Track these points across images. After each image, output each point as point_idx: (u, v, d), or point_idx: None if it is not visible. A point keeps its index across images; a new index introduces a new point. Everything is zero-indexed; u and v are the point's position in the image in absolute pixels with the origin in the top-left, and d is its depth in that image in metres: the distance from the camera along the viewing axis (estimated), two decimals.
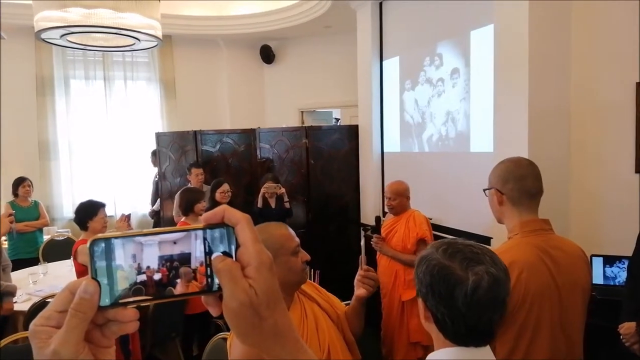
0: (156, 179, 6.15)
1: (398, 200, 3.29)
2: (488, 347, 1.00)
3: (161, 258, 0.48)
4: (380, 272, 3.30)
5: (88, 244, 0.45)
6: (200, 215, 3.74)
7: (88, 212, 3.00)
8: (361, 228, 5.18)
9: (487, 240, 3.53)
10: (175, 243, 0.48)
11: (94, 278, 0.46)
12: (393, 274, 3.18)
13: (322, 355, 1.39)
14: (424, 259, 1.02)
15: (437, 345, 1.03)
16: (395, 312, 3.18)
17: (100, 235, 0.47)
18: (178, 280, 0.48)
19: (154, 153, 6.12)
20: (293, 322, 0.53)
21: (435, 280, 0.98)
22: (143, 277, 0.47)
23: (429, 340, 3.35)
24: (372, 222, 3.41)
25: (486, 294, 0.94)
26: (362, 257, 1.51)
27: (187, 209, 3.68)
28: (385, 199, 3.38)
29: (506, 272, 0.99)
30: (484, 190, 1.61)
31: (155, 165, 6.13)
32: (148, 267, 0.47)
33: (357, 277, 1.54)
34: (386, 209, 3.49)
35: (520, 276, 1.38)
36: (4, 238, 3.91)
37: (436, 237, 4.21)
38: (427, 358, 1.03)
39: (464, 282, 0.94)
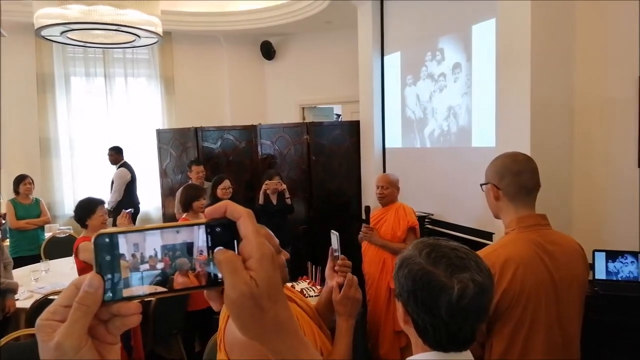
0: (128, 179, 5.90)
1: (390, 189, 3.33)
2: (468, 351, 0.97)
3: (164, 248, 0.48)
4: (367, 262, 3.35)
5: (92, 239, 0.46)
6: (201, 212, 3.75)
7: (86, 209, 3.00)
8: (362, 224, 5.17)
9: (489, 235, 3.53)
10: (178, 233, 0.49)
11: (99, 272, 0.46)
12: (381, 262, 3.24)
13: None
14: (406, 261, 0.98)
15: (416, 350, 1.00)
16: (382, 300, 3.22)
17: (104, 230, 0.47)
18: (176, 273, 0.49)
19: (116, 150, 5.91)
20: (294, 316, 0.53)
21: (418, 287, 0.94)
22: (146, 267, 0.48)
23: None
24: None
25: (471, 302, 0.91)
26: (332, 249, 1.49)
27: (188, 205, 3.68)
28: (376, 188, 3.39)
29: (491, 277, 0.96)
30: (481, 185, 1.61)
31: (114, 163, 5.89)
32: (151, 257, 0.48)
33: (332, 268, 1.49)
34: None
35: (516, 272, 1.38)
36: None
37: (436, 233, 4.22)
38: None
39: (448, 290, 0.91)
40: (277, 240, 1.44)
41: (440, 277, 0.92)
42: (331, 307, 1.50)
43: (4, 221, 2.93)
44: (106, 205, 5.58)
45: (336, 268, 1.45)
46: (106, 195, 5.64)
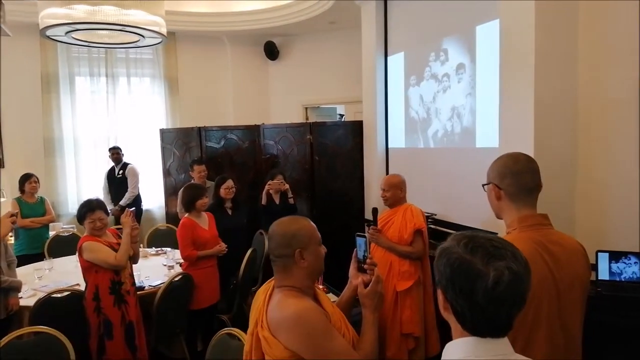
0: (120, 175, 5.91)
1: (391, 192, 3.29)
2: (506, 338, 1.01)
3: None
4: None
5: None
6: (203, 210, 3.76)
7: (79, 216, 3.04)
8: (365, 224, 5.17)
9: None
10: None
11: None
12: (388, 264, 3.19)
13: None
14: (445, 251, 1.03)
15: (455, 335, 1.05)
16: (388, 303, 3.18)
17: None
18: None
19: (120, 149, 5.96)
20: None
21: (456, 274, 0.99)
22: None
23: (421, 332, 3.36)
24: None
25: (506, 289, 0.95)
26: (356, 251, 1.65)
27: (189, 205, 3.69)
28: (380, 190, 3.39)
29: (527, 267, 1.01)
30: (483, 185, 1.61)
31: (119, 162, 5.92)
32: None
33: (356, 268, 1.64)
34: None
35: None
36: (10, 234, 3.92)
37: (440, 233, 4.21)
38: (446, 345, 1.05)
39: (484, 277, 0.95)
40: (319, 235, 1.59)
41: (476, 265, 0.97)
42: (351, 305, 1.69)
43: (15, 225, 2.95)
44: (123, 202, 5.71)
45: (365, 266, 1.59)
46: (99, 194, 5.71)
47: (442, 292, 1.03)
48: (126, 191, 5.86)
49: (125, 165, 5.94)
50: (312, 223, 1.60)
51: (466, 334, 1.01)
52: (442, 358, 1.04)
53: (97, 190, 6.01)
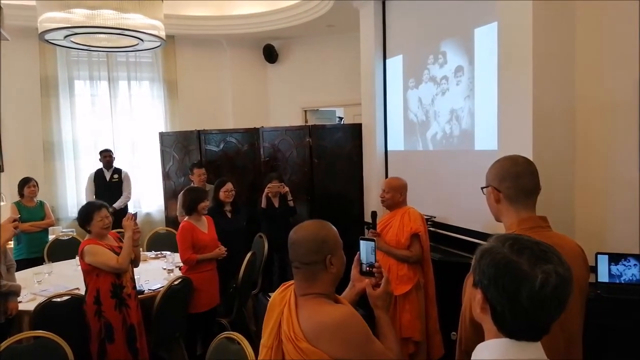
0: (115, 180, 5.81)
1: (391, 194, 3.28)
2: (539, 342, 1.00)
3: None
4: None
5: None
6: (204, 213, 3.76)
7: (84, 218, 3.02)
8: (365, 227, 5.18)
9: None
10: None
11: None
12: (386, 268, 3.18)
13: None
14: (488, 251, 1.02)
15: (489, 336, 1.04)
16: None
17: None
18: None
19: (109, 152, 5.83)
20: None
21: (501, 274, 0.97)
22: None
23: (421, 336, 3.34)
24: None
25: (552, 293, 0.95)
26: (358, 254, 1.64)
27: (191, 208, 3.69)
28: (380, 191, 3.39)
29: (571, 272, 1.00)
30: (482, 188, 1.62)
31: (111, 166, 5.80)
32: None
33: (359, 272, 1.63)
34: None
35: None
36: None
37: (439, 236, 4.21)
38: (478, 345, 1.04)
39: (531, 279, 0.94)
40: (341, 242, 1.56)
41: (523, 266, 0.96)
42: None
43: (18, 231, 2.92)
44: (118, 205, 5.67)
45: (374, 270, 1.59)
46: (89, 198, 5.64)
47: (482, 292, 1.02)
48: (119, 195, 5.75)
49: (119, 170, 5.86)
50: (334, 227, 1.57)
51: (500, 336, 1.00)
52: (472, 358, 1.03)
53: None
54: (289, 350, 1.43)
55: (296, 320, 1.43)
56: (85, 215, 3.02)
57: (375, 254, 1.62)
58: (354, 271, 1.64)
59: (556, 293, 0.95)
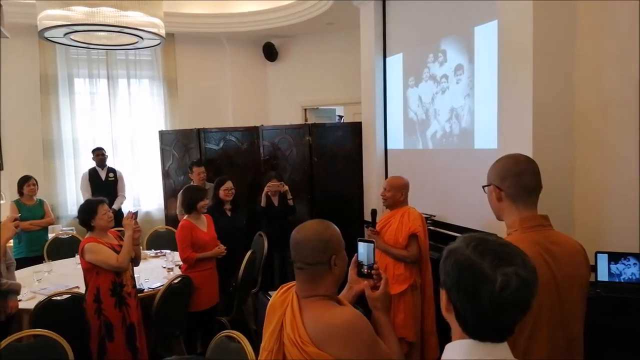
0: (111, 179, 5.75)
1: (392, 192, 3.28)
2: (505, 343, 1.00)
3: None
4: None
5: None
6: (204, 212, 3.76)
7: (89, 212, 3.00)
8: (364, 225, 5.18)
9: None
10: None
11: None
12: (383, 267, 3.17)
13: None
14: (453, 252, 1.02)
15: (454, 337, 1.04)
16: None
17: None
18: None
19: (102, 150, 5.75)
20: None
21: (463, 276, 0.98)
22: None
23: (414, 337, 3.34)
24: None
25: (512, 296, 0.94)
26: (356, 256, 1.62)
27: (190, 207, 3.69)
28: (381, 189, 3.38)
29: (535, 274, 1.00)
30: (483, 187, 1.62)
31: (104, 164, 5.73)
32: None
33: (356, 273, 1.62)
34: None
35: None
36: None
37: (438, 234, 4.21)
38: (446, 346, 1.04)
39: (491, 282, 0.94)
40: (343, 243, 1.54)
41: (485, 268, 0.96)
42: None
43: (19, 230, 2.92)
44: (116, 206, 5.63)
45: (373, 272, 1.57)
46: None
47: (446, 292, 1.03)
48: (115, 194, 5.70)
49: (113, 169, 5.81)
50: (337, 227, 1.55)
51: (465, 337, 1.00)
52: (441, 358, 1.04)
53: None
54: (292, 354, 1.40)
55: (301, 323, 1.40)
56: (90, 209, 3.00)
57: (374, 256, 1.60)
58: (351, 273, 1.62)
59: (517, 296, 0.94)
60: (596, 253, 2.79)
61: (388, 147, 5.23)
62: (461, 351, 1.00)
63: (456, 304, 1.00)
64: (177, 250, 3.78)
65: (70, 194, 6.20)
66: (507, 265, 0.95)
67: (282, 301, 1.50)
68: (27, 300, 3.27)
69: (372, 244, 1.60)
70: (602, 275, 2.81)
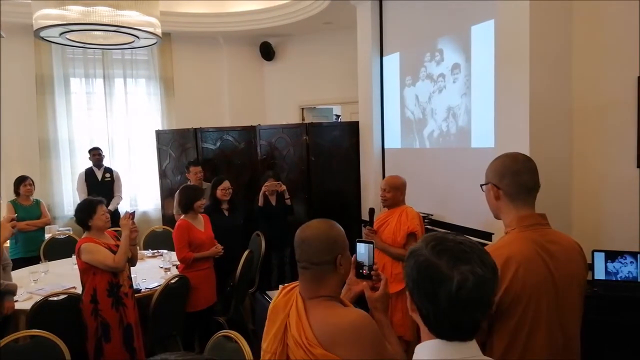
0: (108, 179, 5.71)
1: (392, 193, 3.29)
2: (474, 341, 1.00)
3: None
4: None
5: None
6: (201, 212, 3.75)
7: (87, 211, 2.98)
8: (362, 225, 5.18)
9: (488, 235, 3.53)
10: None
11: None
12: (381, 266, 3.19)
13: None
14: (413, 253, 1.03)
15: (424, 337, 1.05)
16: None
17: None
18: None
19: (98, 150, 5.72)
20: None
21: (421, 277, 0.98)
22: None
23: (412, 336, 3.36)
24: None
25: (470, 294, 0.94)
26: (355, 257, 1.59)
27: (187, 206, 3.68)
28: (381, 190, 3.38)
29: (494, 271, 0.99)
30: (481, 185, 1.62)
31: (100, 164, 5.70)
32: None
33: (355, 275, 1.59)
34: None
35: (517, 271, 1.38)
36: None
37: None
38: (416, 347, 1.04)
39: (448, 282, 0.94)
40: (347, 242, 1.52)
41: (442, 268, 0.96)
42: None
43: (15, 230, 2.90)
44: (112, 206, 5.59)
45: (373, 273, 1.56)
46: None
47: (409, 293, 1.03)
48: (110, 195, 5.64)
49: (110, 169, 5.78)
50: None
51: (433, 337, 1.00)
52: (412, 359, 1.04)
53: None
54: (297, 356, 1.38)
55: (308, 325, 1.38)
56: (88, 208, 2.99)
57: (373, 256, 1.58)
58: (350, 274, 1.60)
59: (475, 294, 0.94)
60: (593, 251, 2.80)
61: (385, 146, 5.23)
62: (430, 352, 1.00)
63: (419, 304, 1.00)
64: (174, 250, 3.77)
65: (66, 194, 6.18)
66: (464, 263, 0.95)
67: (285, 302, 1.49)
68: (24, 301, 3.25)
69: (372, 245, 1.59)
70: (599, 273, 2.82)
